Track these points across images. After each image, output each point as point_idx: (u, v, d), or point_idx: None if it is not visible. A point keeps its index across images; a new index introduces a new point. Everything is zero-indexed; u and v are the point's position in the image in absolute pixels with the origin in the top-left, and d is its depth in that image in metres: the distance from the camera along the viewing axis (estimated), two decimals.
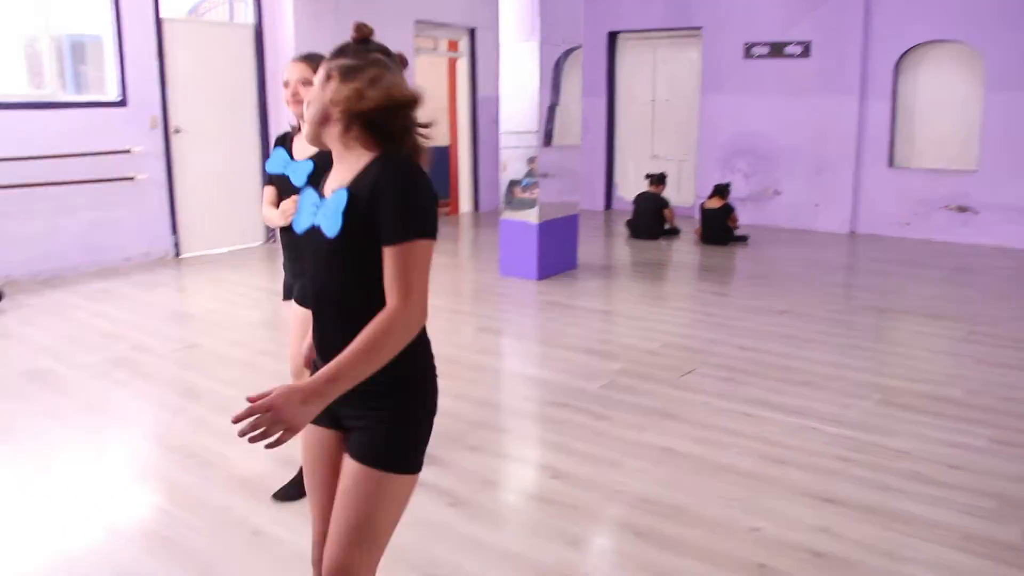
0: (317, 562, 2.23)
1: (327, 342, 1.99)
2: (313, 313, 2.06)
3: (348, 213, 1.87)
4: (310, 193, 2.07)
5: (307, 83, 3.07)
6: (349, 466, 2.01)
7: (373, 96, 1.94)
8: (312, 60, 3.11)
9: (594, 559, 3.12)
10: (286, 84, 3.18)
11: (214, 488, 3.64)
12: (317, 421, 2.02)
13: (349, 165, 1.96)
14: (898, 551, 3.09)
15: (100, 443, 4.24)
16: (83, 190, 8.07)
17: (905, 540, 3.17)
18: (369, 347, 1.82)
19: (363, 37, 2.04)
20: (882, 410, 4.53)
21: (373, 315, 1.84)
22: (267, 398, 1.74)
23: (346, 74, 1.96)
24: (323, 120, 1.99)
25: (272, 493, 3.55)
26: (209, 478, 3.75)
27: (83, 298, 7.16)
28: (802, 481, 3.67)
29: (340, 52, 2.02)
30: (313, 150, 3.01)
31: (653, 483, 3.66)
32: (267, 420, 1.72)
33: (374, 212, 1.85)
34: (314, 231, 1.96)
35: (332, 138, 2.00)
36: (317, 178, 2.34)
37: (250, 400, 1.75)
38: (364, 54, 2.00)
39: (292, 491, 3.50)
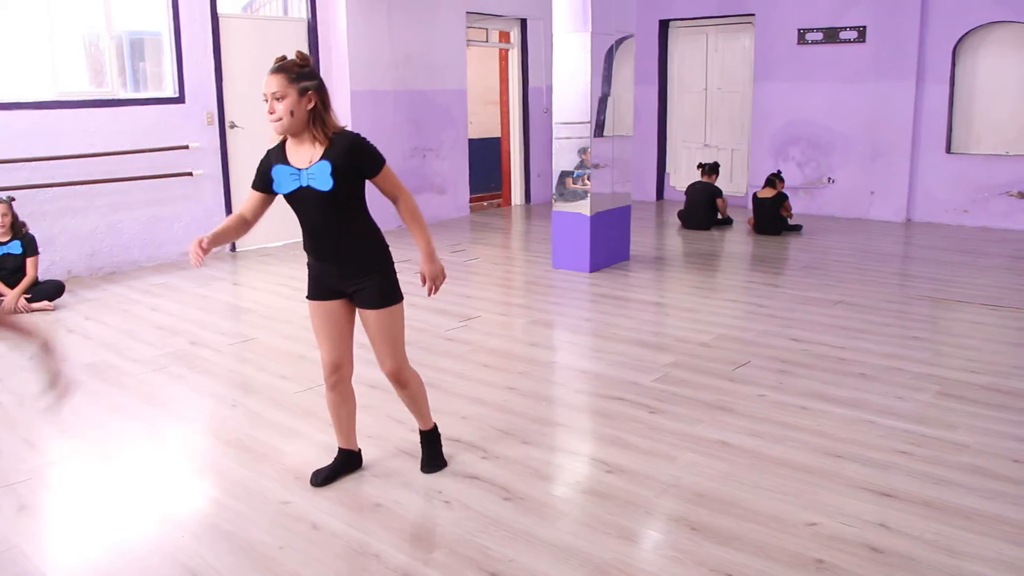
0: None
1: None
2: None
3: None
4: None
5: (280, 97, 3.14)
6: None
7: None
8: (283, 71, 3.15)
9: (649, 553, 3.12)
10: (264, 98, 3.19)
11: (271, 482, 3.70)
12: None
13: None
14: (958, 547, 3.05)
15: (160, 436, 4.33)
16: (142, 186, 8.24)
17: (965, 536, 3.12)
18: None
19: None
20: (940, 402, 4.47)
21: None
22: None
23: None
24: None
25: (310, 479, 3.67)
26: (266, 472, 3.81)
27: (141, 293, 7.31)
28: (859, 475, 3.63)
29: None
30: (315, 152, 3.23)
31: (708, 477, 3.64)
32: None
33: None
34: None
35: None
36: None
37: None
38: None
39: (329, 475, 3.68)
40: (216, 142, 8.77)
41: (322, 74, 9.53)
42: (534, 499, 3.52)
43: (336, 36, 9.60)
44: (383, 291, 3.40)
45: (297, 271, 7.91)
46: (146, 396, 4.84)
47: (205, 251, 3.19)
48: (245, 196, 3.49)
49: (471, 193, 11.60)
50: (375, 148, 3.31)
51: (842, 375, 4.91)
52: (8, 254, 6.72)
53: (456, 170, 11.02)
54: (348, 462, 3.75)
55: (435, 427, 3.83)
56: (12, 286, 6.65)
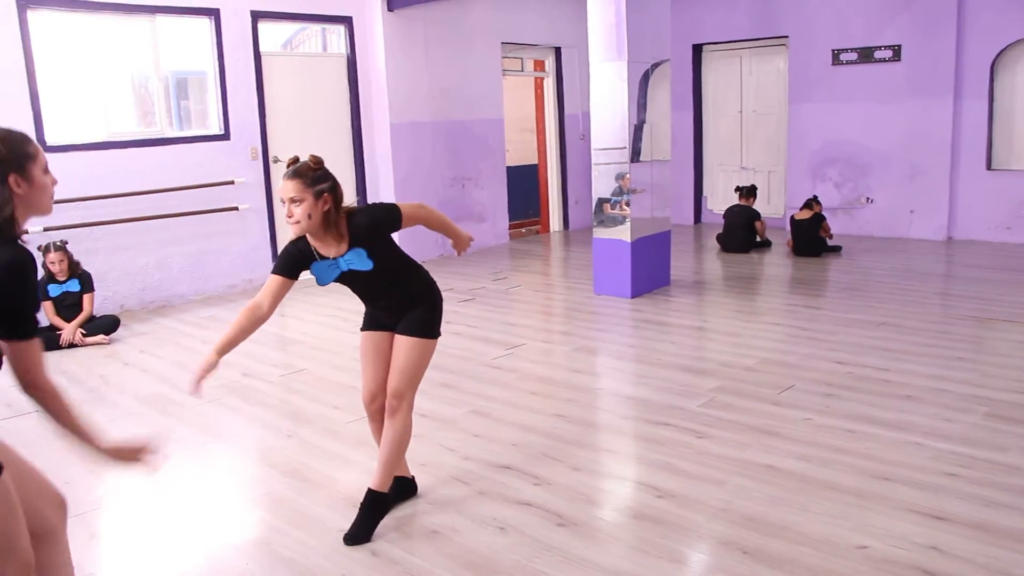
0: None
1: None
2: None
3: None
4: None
5: (298, 201, 3.25)
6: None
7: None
8: (299, 175, 3.27)
9: None
10: (283, 201, 3.31)
11: (328, 510, 3.80)
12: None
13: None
14: (1012, 569, 3.07)
15: (218, 466, 4.46)
16: (189, 221, 8.45)
17: (1019, 558, 3.14)
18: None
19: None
20: (989, 423, 4.47)
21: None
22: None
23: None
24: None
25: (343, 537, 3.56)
26: (323, 501, 3.91)
27: (191, 325, 7.49)
28: (909, 497, 3.66)
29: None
30: (341, 243, 3.39)
31: (758, 501, 3.69)
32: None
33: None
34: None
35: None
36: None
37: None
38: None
39: (360, 534, 3.56)
40: (260, 177, 8.98)
41: (361, 108, 9.76)
42: (587, 524, 3.59)
43: (375, 71, 9.80)
44: (422, 323, 3.57)
45: (343, 302, 8.05)
46: (203, 427, 4.98)
47: (200, 382, 3.22)
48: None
49: (510, 220, 11.73)
50: (384, 207, 3.47)
51: (888, 397, 4.93)
52: (67, 292, 6.98)
53: (495, 198, 11.16)
54: (403, 488, 3.84)
55: (388, 494, 3.65)
56: (70, 321, 6.88)
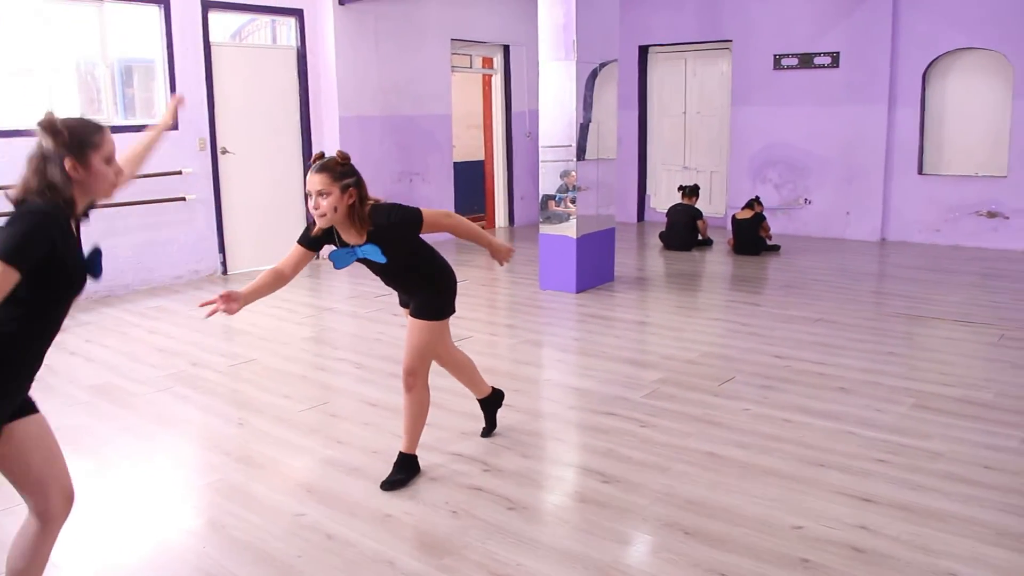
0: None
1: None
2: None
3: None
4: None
5: (325, 194, 3.45)
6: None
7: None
8: (327, 170, 3.47)
9: (647, 556, 3.32)
10: (309, 194, 3.51)
11: (284, 496, 3.88)
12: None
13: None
14: (934, 546, 3.28)
15: (172, 454, 4.51)
16: (136, 211, 8.39)
17: (941, 536, 3.35)
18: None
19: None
20: (916, 414, 4.71)
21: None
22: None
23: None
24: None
25: (380, 484, 3.93)
26: (278, 487, 3.99)
27: (138, 316, 7.46)
28: (841, 482, 3.86)
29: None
30: (360, 234, 3.59)
31: (699, 486, 3.86)
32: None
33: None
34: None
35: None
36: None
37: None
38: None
39: (397, 483, 3.93)
40: (208, 167, 8.95)
41: (310, 101, 9.76)
42: (536, 508, 3.72)
43: (324, 64, 9.83)
44: (431, 306, 3.87)
45: (289, 294, 8.07)
46: (154, 416, 5.01)
47: (233, 310, 3.34)
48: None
49: None
50: (408, 211, 3.63)
51: (823, 389, 5.15)
52: None
53: (442, 193, 11.24)
54: (496, 400, 4.44)
55: (415, 457, 4.04)
56: None
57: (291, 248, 3.65)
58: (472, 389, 4.44)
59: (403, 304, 4.04)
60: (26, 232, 2.29)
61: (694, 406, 4.90)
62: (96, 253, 2.51)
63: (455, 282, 3.98)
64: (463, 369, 4.34)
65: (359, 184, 3.52)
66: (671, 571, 3.15)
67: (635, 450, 4.28)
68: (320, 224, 3.55)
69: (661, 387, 5.25)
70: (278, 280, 3.62)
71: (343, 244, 3.63)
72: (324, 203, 3.45)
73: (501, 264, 4.03)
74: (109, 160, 2.49)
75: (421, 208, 3.65)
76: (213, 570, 3.26)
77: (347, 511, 3.71)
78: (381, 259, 3.62)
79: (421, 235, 3.70)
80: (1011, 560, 3.18)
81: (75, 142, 2.41)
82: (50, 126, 2.41)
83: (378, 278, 3.89)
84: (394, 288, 3.99)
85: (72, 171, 2.41)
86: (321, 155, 3.53)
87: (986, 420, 4.60)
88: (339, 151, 3.58)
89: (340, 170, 3.48)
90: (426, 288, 3.86)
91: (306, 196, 3.57)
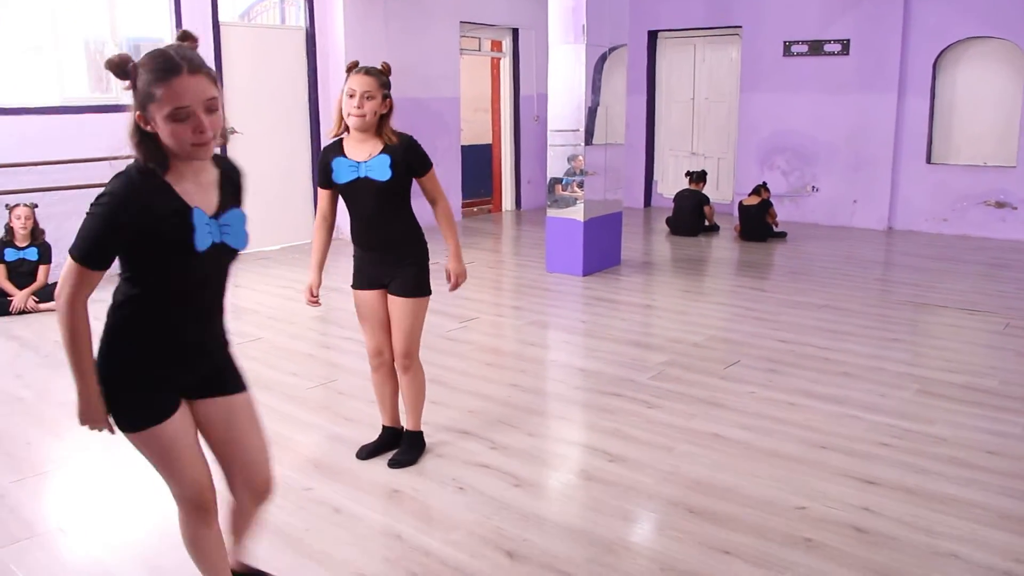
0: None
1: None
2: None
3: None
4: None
5: (370, 96, 3.54)
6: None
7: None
8: (373, 74, 3.57)
9: (652, 533, 3.36)
10: (352, 95, 3.53)
11: (292, 471, 3.92)
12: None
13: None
14: (936, 528, 3.31)
15: None
16: None
17: (943, 518, 3.38)
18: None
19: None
20: (920, 399, 4.73)
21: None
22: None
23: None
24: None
25: (356, 453, 4.03)
26: (286, 462, 4.02)
27: None
28: (844, 464, 3.89)
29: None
30: (376, 147, 3.62)
31: (704, 466, 3.89)
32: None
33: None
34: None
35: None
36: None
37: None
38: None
39: (373, 450, 4.04)
40: (217, 147, 8.94)
41: (319, 81, 9.78)
42: (542, 485, 3.76)
43: (333, 45, 9.82)
44: (415, 283, 3.76)
45: (297, 273, 8.12)
46: None
47: (316, 297, 3.84)
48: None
49: (463, 199, 11.84)
50: (424, 153, 3.70)
51: (827, 374, 5.17)
52: (24, 259, 6.92)
53: (449, 176, 11.24)
54: (392, 439, 4.07)
55: (421, 433, 4.05)
56: (23, 288, 6.84)
57: (320, 196, 3.79)
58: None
59: (368, 284, 3.79)
60: (92, 229, 2.12)
61: (700, 388, 4.93)
62: (217, 222, 2.26)
63: (428, 257, 3.87)
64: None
65: (391, 96, 3.62)
66: (676, 548, 3.19)
67: (641, 430, 4.32)
68: (356, 126, 3.58)
69: (667, 369, 5.28)
70: (328, 226, 3.82)
71: (348, 159, 3.65)
72: (368, 105, 3.52)
73: (449, 281, 3.88)
74: (173, 118, 2.07)
75: None
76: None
77: (355, 486, 3.74)
78: (386, 174, 3.57)
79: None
80: (1012, 542, 3.21)
81: (139, 92, 2.08)
82: (115, 66, 2.09)
83: (359, 229, 3.75)
84: (371, 247, 3.74)
85: (141, 123, 2.10)
86: (356, 63, 3.61)
87: (990, 407, 4.63)
88: (383, 62, 3.69)
89: (384, 79, 3.58)
90: (405, 256, 3.73)
91: (346, 96, 3.56)
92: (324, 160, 3.72)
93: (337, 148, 3.69)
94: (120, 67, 2.08)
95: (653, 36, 12.54)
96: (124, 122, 2.16)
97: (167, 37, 8.57)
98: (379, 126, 3.60)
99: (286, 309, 6.91)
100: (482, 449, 4.11)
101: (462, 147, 11.61)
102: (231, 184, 2.37)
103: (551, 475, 3.91)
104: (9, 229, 6.94)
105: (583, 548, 3.19)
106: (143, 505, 3.64)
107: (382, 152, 3.59)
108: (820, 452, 4.03)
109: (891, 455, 3.99)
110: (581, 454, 4.15)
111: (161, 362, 2.30)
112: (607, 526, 3.36)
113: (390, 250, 3.75)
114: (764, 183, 10.30)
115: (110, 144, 8.08)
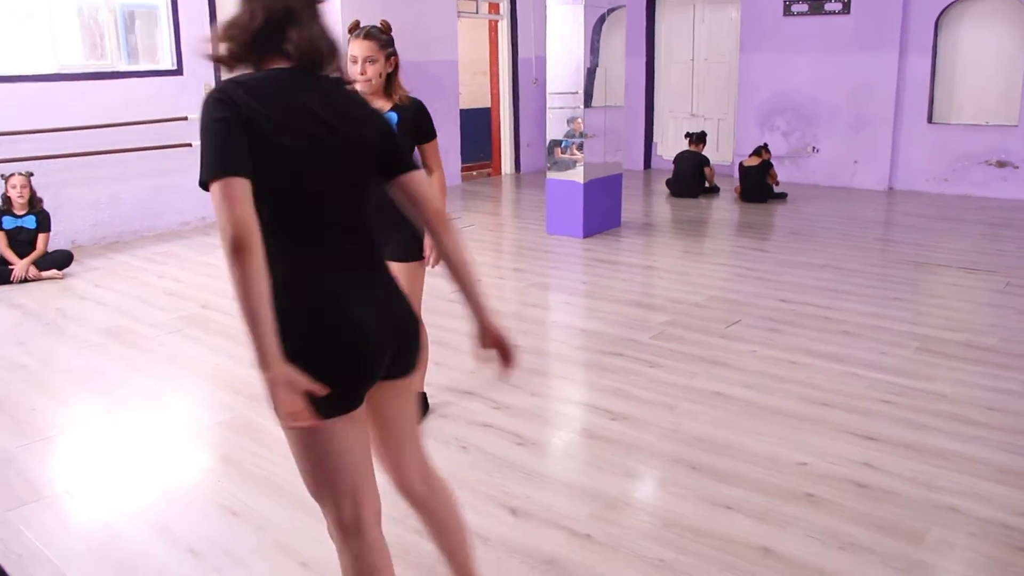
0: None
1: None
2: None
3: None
4: None
5: (373, 60, 3.50)
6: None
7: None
8: (373, 35, 3.51)
9: (655, 490, 3.39)
10: (354, 60, 3.49)
11: None
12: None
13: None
14: (936, 482, 3.33)
15: (185, 393, 4.57)
16: (142, 157, 8.39)
17: (943, 473, 3.41)
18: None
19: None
20: (920, 357, 4.75)
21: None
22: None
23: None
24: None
25: None
26: None
27: (147, 261, 7.50)
28: (845, 421, 3.91)
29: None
30: (384, 105, 3.57)
31: (706, 424, 3.91)
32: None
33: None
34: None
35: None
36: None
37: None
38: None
39: None
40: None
41: None
42: (545, 443, 3.79)
43: (330, 7, 9.71)
44: (414, 245, 3.70)
45: None
46: (166, 357, 5.06)
47: None
48: None
49: (462, 163, 11.80)
50: (432, 120, 3.68)
51: (828, 332, 5.19)
52: (22, 227, 6.90)
53: (448, 140, 11.19)
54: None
55: (424, 394, 4.05)
56: (22, 257, 6.83)
57: None
58: None
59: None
60: (205, 137, 1.86)
61: (701, 347, 4.94)
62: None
63: None
64: None
65: (396, 54, 3.58)
66: (679, 504, 3.21)
67: (642, 389, 4.34)
68: (361, 90, 3.52)
69: (668, 329, 5.29)
70: None
71: None
72: (371, 69, 3.49)
73: (426, 258, 3.72)
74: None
75: None
76: (229, 502, 3.33)
77: None
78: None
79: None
80: (1011, 496, 3.23)
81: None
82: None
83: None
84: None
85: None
86: (357, 23, 3.56)
87: (990, 364, 4.64)
88: (382, 20, 3.63)
89: (385, 38, 3.54)
90: (401, 213, 3.72)
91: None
92: None
93: None
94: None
95: None
96: (121, 90, 2.06)
97: (161, 4, 8.50)
98: (387, 85, 3.58)
99: None
100: (485, 409, 4.13)
101: (461, 111, 11.54)
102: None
103: (554, 434, 3.94)
104: (7, 199, 6.92)
105: (586, 505, 3.22)
106: (149, 469, 3.66)
107: (391, 110, 3.57)
108: (821, 409, 4.05)
109: (892, 412, 4.01)
110: (583, 413, 4.17)
111: (336, 307, 2.03)
112: (610, 483, 3.39)
113: (387, 213, 3.72)
114: (764, 144, 10.27)
115: (107, 112, 8.06)
